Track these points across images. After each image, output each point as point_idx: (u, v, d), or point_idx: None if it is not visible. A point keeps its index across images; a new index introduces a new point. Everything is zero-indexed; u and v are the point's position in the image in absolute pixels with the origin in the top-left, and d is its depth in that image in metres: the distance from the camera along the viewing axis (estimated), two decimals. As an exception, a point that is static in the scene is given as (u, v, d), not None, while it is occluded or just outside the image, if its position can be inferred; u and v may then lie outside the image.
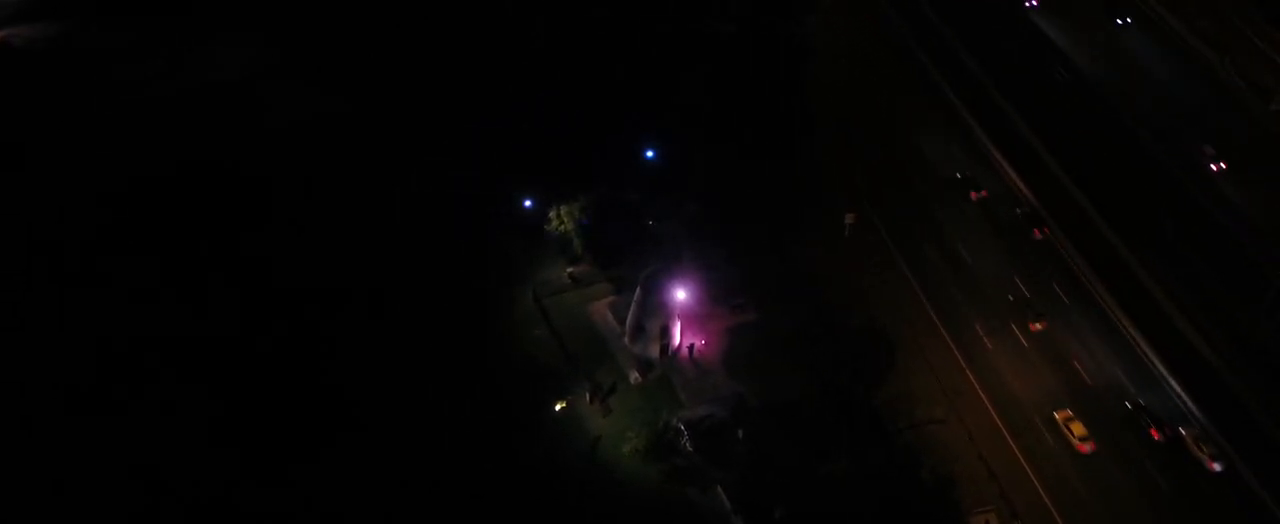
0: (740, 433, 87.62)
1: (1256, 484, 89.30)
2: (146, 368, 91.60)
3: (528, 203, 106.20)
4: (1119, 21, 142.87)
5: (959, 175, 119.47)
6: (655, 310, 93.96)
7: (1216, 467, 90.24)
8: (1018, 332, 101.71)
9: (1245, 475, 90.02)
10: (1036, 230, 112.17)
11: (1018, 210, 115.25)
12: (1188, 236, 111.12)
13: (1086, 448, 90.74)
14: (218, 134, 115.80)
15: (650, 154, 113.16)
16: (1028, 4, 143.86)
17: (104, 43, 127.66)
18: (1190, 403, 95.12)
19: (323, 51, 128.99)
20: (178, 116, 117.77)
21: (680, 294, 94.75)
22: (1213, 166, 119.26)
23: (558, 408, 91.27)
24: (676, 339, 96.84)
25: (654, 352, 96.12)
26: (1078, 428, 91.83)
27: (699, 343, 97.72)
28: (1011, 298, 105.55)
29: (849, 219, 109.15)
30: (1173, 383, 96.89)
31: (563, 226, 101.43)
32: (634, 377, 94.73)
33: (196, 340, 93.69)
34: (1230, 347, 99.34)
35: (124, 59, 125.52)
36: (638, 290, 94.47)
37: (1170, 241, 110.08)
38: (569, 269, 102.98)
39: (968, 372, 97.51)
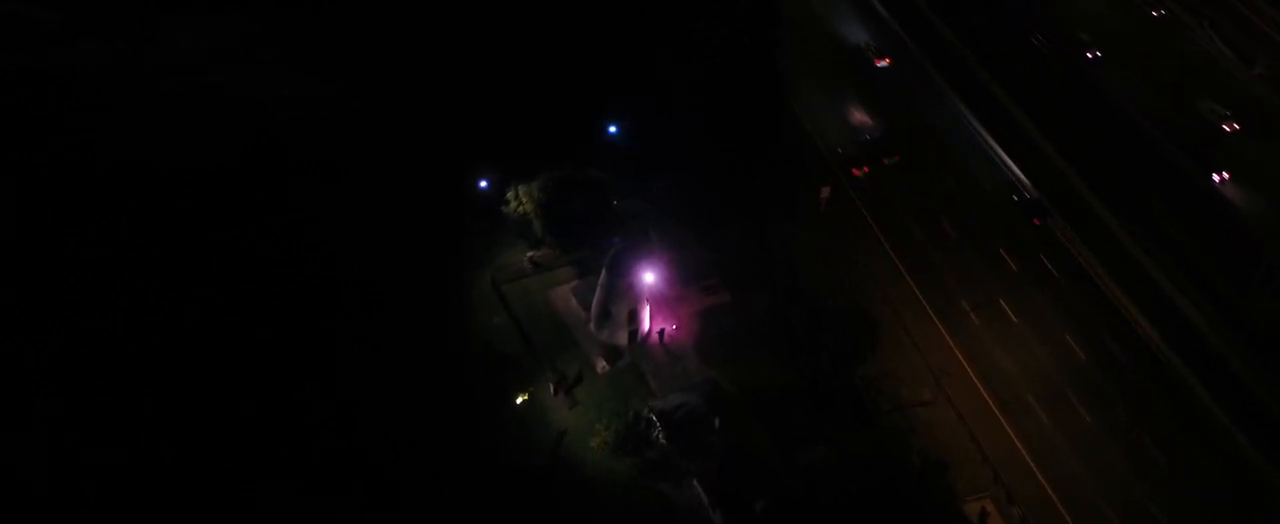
0: (716, 422, 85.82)
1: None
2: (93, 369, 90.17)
3: (483, 183, 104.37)
4: None
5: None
6: (622, 294, 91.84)
7: None
8: (1006, 306, 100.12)
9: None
10: (1035, 220, 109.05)
11: (1014, 197, 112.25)
12: (1176, 208, 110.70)
13: None
14: (177, 122, 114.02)
15: (614, 129, 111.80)
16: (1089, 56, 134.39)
17: (52, 21, 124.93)
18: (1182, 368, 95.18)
19: (280, 27, 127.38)
20: (148, 103, 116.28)
21: (648, 276, 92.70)
22: (1226, 127, 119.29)
23: (519, 401, 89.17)
24: (645, 324, 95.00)
25: (621, 338, 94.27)
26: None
27: (670, 327, 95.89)
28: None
29: (824, 193, 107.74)
30: (1171, 355, 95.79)
31: (521, 207, 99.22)
32: (601, 365, 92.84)
33: (152, 332, 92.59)
34: (1224, 321, 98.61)
35: (83, 38, 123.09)
36: (603, 273, 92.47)
37: (1159, 214, 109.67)
38: (529, 252, 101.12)
39: (955, 349, 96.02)
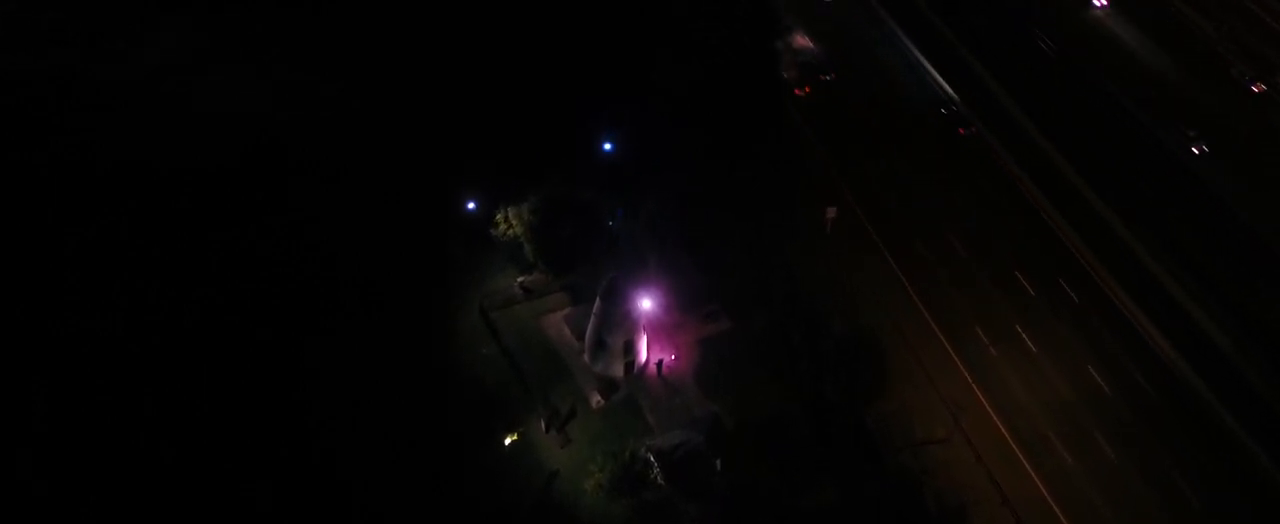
0: (718, 462, 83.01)
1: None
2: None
3: (471, 205, 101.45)
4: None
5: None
6: (618, 323, 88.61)
7: None
8: (1024, 333, 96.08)
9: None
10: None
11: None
12: (1191, 220, 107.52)
13: None
14: (177, 122, 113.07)
15: (609, 146, 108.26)
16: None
17: (52, 21, 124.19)
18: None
19: (280, 27, 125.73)
20: (148, 103, 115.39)
21: (645, 304, 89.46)
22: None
23: (508, 441, 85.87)
24: (643, 355, 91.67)
25: (617, 370, 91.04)
26: None
27: (668, 358, 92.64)
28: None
29: (830, 214, 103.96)
30: (1192, 376, 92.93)
31: (511, 230, 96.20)
32: (595, 399, 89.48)
33: (152, 332, 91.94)
34: (1243, 334, 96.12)
35: (83, 38, 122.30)
36: (597, 301, 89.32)
37: (1171, 225, 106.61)
38: (520, 278, 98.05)
39: (971, 382, 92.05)
